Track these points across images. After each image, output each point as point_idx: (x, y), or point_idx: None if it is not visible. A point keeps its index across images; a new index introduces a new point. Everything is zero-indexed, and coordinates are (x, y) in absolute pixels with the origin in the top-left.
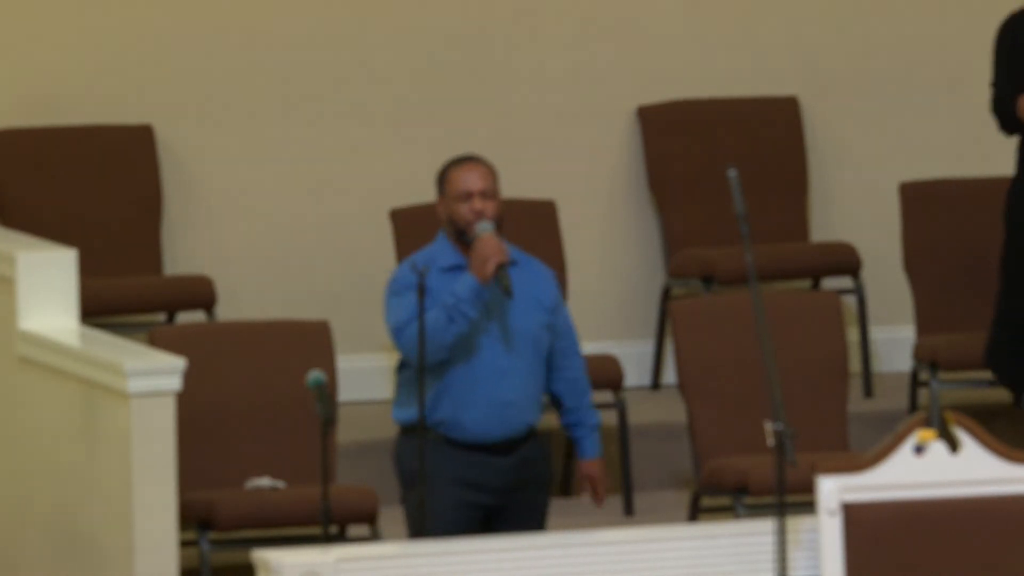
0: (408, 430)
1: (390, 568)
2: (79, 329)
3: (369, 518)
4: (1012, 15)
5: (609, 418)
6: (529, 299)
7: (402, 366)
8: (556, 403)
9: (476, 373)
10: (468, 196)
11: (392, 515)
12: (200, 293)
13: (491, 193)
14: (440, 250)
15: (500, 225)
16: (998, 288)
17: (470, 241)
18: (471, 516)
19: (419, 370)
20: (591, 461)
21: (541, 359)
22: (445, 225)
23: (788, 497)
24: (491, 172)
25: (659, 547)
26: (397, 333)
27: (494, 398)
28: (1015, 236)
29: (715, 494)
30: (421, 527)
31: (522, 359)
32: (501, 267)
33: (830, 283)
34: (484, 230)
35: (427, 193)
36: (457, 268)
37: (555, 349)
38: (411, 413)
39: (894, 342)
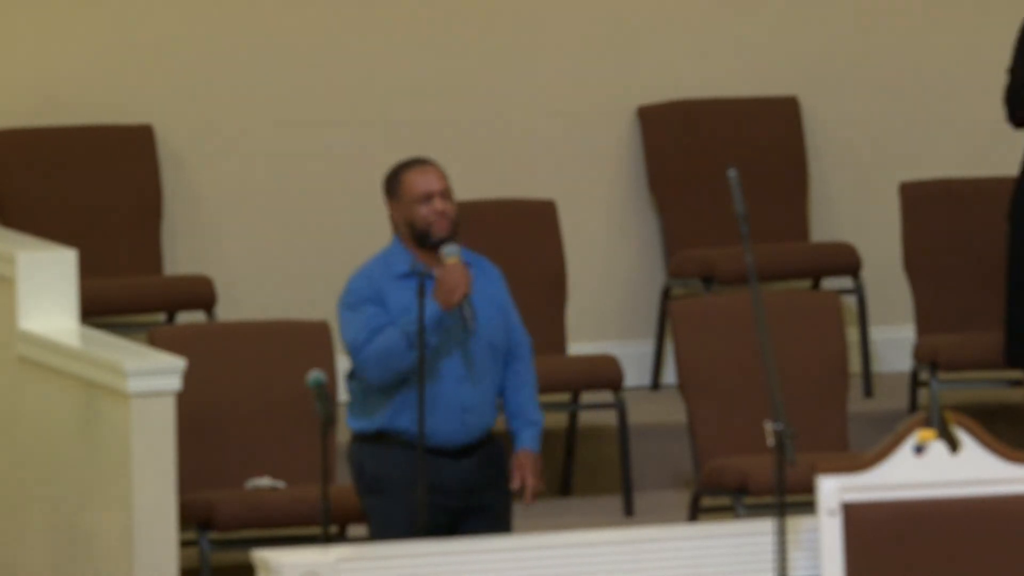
0: (366, 438)
1: (390, 568)
2: (79, 329)
3: (365, 516)
4: None
5: (609, 418)
6: (486, 302)
7: (353, 374)
8: (502, 397)
9: (436, 382)
10: (428, 197)
11: None
12: (200, 293)
13: (449, 193)
14: (395, 257)
15: (458, 227)
16: (1009, 288)
17: (433, 239)
18: (433, 520)
19: (419, 370)
20: (522, 450)
21: (498, 361)
22: (402, 229)
23: (788, 497)
24: (443, 172)
25: (659, 547)
26: (356, 351)
27: (453, 404)
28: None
29: (715, 494)
30: (387, 532)
31: (480, 364)
32: (465, 297)
33: (830, 283)
34: (450, 254)
35: None
36: (412, 275)
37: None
38: (369, 423)
39: (894, 342)
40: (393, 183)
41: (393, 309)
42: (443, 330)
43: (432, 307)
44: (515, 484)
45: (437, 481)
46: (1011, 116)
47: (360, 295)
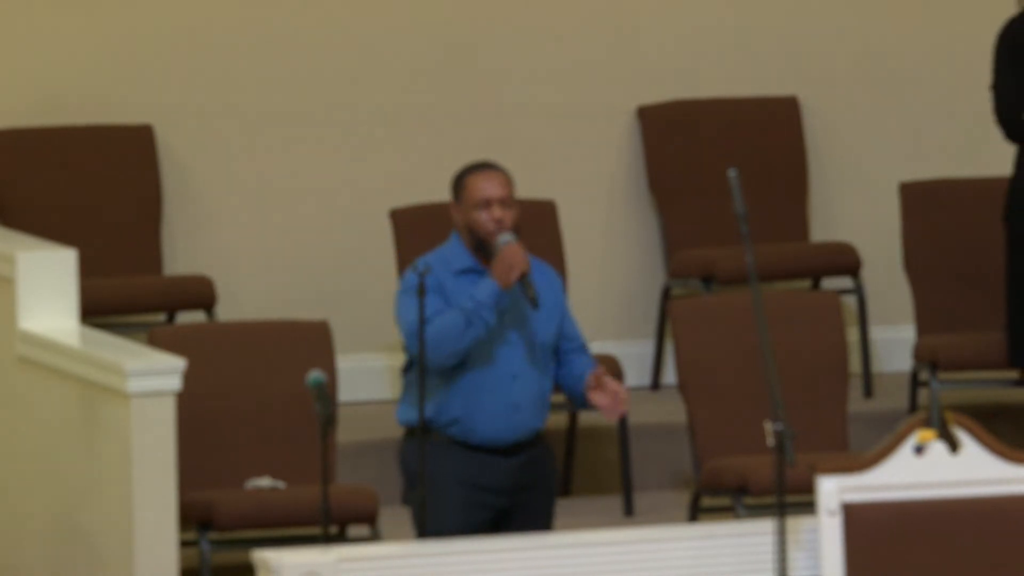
0: (415, 431)
1: (390, 568)
2: (79, 329)
3: (369, 518)
4: (1012, 20)
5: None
6: (543, 304)
7: (410, 366)
8: (568, 392)
9: (488, 376)
10: (487, 204)
11: (392, 515)
12: (200, 293)
13: (509, 201)
14: (454, 252)
15: (518, 232)
16: (1010, 289)
17: (489, 251)
18: (479, 517)
19: (420, 370)
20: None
21: (550, 363)
22: (461, 232)
23: (788, 497)
24: (509, 179)
25: (659, 547)
26: (411, 334)
27: (504, 401)
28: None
29: (715, 494)
30: (433, 528)
31: (533, 363)
32: (524, 276)
33: (830, 283)
34: (506, 242)
35: (427, 193)
36: (471, 272)
37: (563, 350)
38: (419, 413)
39: (894, 342)
40: (458, 185)
41: (452, 302)
42: (500, 310)
43: (490, 285)
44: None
45: (482, 478)
46: (1008, 136)
47: (418, 283)
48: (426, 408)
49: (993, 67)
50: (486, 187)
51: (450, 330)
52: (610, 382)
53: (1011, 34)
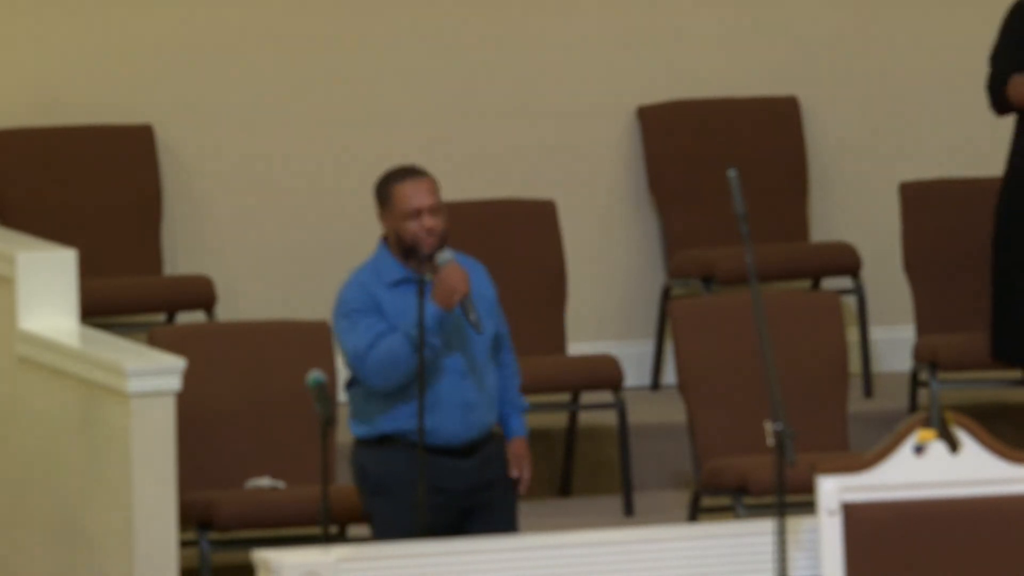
0: (369, 443)
1: (390, 568)
2: (79, 329)
3: (369, 518)
4: None
5: (609, 418)
6: (479, 300)
7: (353, 382)
8: None
9: (436, 379)
10: (417, 214)
11: None
12: (200, 293)
13: (438, 207)
14: (384, 264)
15: (446, 238)
16: (994, 285)
17: (422, 255)
18: (441, 520)
19: (419, 370)
20: (517, 439)
21: (493, 355)
22: (390, 240)
23: (788, 497)
24: (435, 184)
25: (659, 547)
26: (359, 359)
27: (456, 401)
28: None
29: (715, 494)
30: (391, 533)
31: (480, 361)
32: (465, 298)
33: (830, 283)
34: (445, 261)
35: None
36: (404, 282)
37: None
38: (371, 427)
39: (894, 342)
40: (383, 192)
41: (390, 315)
42: (444, 332)
43: (432, 309)
44: (515, 473)
45: (440, 481)
46: (993, 104)
47: (355, 304)
48: (382, 423)
49: (996, 38)
50: (414, 196)
51: (397, 357)
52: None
53: (1020, 11)
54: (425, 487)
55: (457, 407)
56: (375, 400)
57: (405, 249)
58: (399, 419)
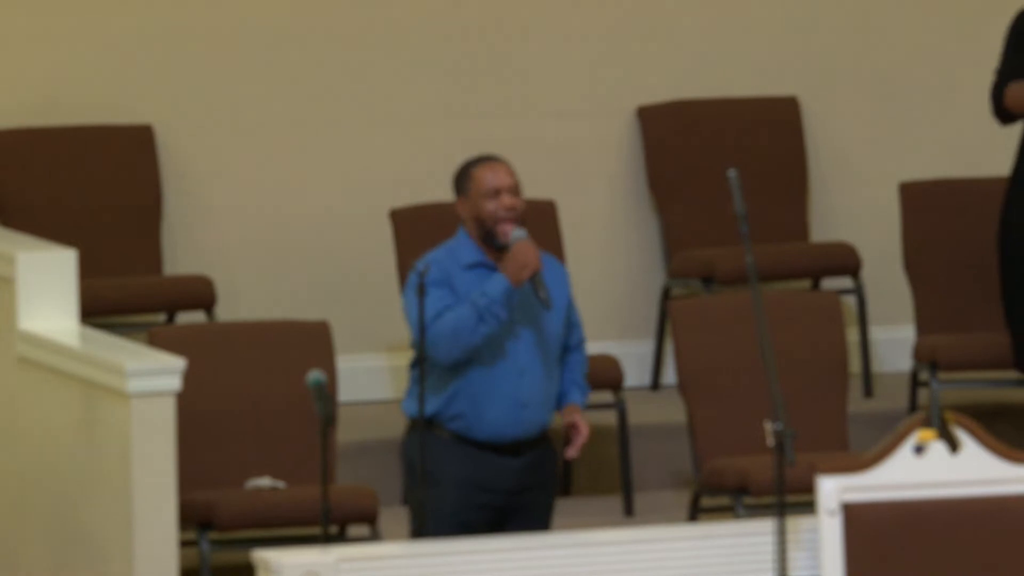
0: (420, 425)
1: (390, 568)
2: (79, 329)
3: (369, 518)
4: None
5: (609, 418)
6: (553, 299)
7: (415, 361)
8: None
9: (496, 372)
10: (496, 192)
11: (392, 515)
12: (200, 293)
13: (517, 189)
14: (461, 246)
15: (525, 224)
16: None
17: (498, 242)
18: (480, 517)
19: (420, 365)
20: (573, 405)
21: (557, 359)
22: (469, 224)
23: (788, 497)
24: (513, 170)
25: (659, 547)
26: (425, 330)
27: (512, 398)
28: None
29: (715, 494)
30: (424, 526)
31: (541, 360)
32: (536, 275)
33: (830, 283)
34: (518, 238)
35: (427, 193)
36: (480, 266)
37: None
38: (425, 407)
39: (894, 342)
40: (463, 179)
41: (461, 297)
42: (511, 306)
43: (501, 281)
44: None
45: (486, 479)
46: (995, 112)
47: (427, 278)
48: (431, 402)
49: (1002, 48)
50: (494, 176)
51: (463, 325)
52: (579, 435)
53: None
54: (426, 478)
55: (513, 405)
56: (432, 380)
57: (484, 232)
58: (451, 403)
